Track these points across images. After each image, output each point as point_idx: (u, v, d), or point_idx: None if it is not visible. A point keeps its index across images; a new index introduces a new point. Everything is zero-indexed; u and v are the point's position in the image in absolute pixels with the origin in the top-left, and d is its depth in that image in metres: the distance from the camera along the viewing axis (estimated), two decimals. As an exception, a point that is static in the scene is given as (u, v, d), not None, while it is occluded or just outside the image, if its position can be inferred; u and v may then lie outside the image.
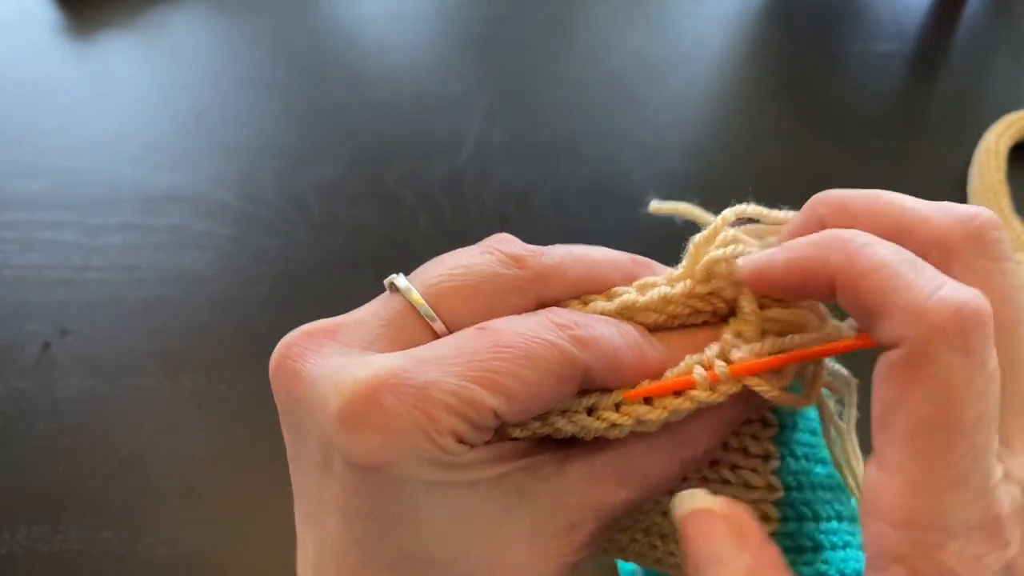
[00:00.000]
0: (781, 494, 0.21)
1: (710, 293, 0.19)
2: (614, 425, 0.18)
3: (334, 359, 0.17)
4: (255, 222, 0.58)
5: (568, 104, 0.67)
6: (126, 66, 0.72)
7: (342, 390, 0.16)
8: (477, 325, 0.18)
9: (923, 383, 0.15)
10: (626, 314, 0.19)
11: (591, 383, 0.18)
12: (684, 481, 0.21)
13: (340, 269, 0.54)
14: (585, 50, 0.72)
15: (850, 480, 0.24)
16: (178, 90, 0.69)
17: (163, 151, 0.63)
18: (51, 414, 0.48)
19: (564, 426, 0.19)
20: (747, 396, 0.19)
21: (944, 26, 0.73)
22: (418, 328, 0.18)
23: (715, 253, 0.19)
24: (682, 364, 0.19)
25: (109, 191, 0.60)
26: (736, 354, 0.19)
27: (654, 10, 0.76)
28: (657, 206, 0.22)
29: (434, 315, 0.18)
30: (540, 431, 0.19)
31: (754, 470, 0.21)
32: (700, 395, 0.18)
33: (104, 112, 0.67)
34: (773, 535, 0.21)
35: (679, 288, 0.19)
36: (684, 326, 0.20)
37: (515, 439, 0.19)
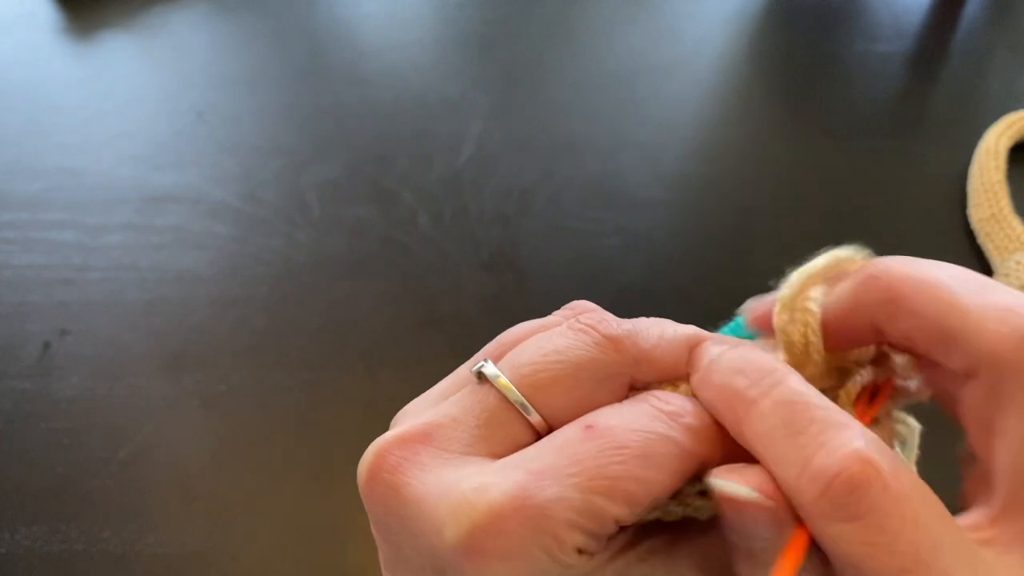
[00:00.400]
0: None
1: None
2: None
3: (438, 472, 0.16)
4: (255, 222, 0.58)
5: (568, 104, 0.67)
6: (126, 66, 0.72)
7: (460, 518, 0.15)
8: (583, 423, 0.17)
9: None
10: None
11: (704, 468, 0.17)
12: None
13: (340, 269, 0.54)
14: (585, 50, 0.72)
15: None
16: (178, 90, 0.69)
17: (163, 151, 0.63)
18: (51, 414, 0.48)
19: (676, 509, 0.18)
20: None
21: (944, 26, 0.73)
22: (516, 424, 0.17)
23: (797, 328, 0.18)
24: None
25: (109, 191, 0.60)
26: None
27: (654, 10, 0.77)
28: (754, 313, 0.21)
29: (532, 409, 0.17)
30: (648, 518, 0.18)
31: None
32: None
33: (104, 112, 0.67)
34: None
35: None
36: None
37: (624, 527, 0.18)
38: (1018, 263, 0.46)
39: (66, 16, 0.76)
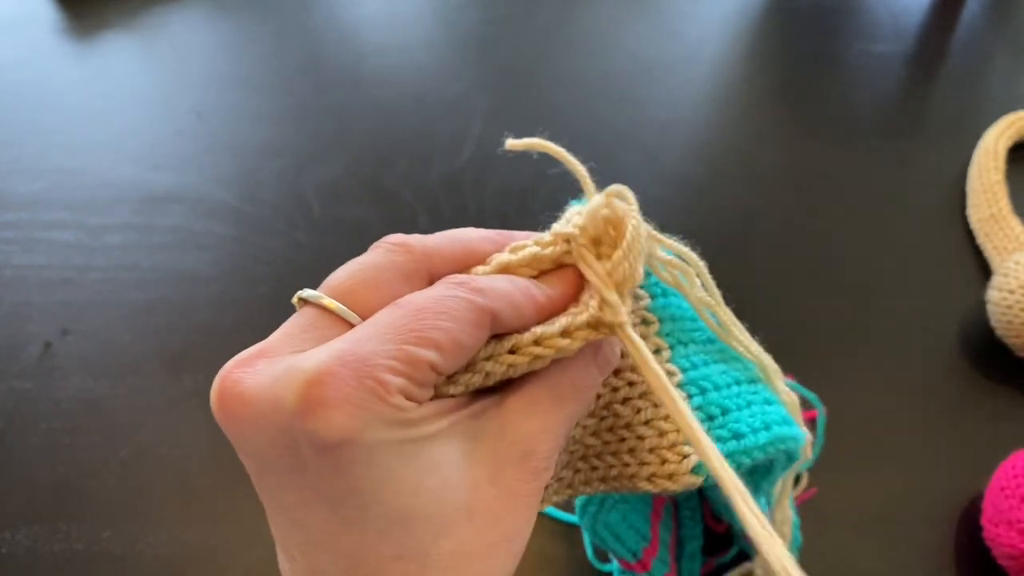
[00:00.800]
0: (679, 378, 0.25)
1: (568, 252, 0.22)
2: (537, 357, 0.21)
3: (272, 369, 0.18)
4: (256, 222, 0.58)
5: (568, 104, 0.67)
6: (127, 67, 0.72)
7: (293, 386, 0.17)
8: (390, 304, 0.19)
9: None
10: (505, 272, 0.22)
11: (501, 327, 0.21)
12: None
13: (340, 269, 0.54)
14: (585, 51, 0.72)
15: (736, 345, 0.27)
16: (179, 90, 0.69)
17: (164, 151, 0.64)
18: (52, 414, 0.48)
19: (493, 369, 0.21)
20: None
21: (943, 27, 0.73)
22: (338, 328, 0.20)
23: (568, 229, 0.22)
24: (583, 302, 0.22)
25: (110, 191, 0.60)
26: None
27: (654, 11, 0.77)
28: (512, 143, 0.25)
29: (348, 311, 0.20)
30: (472, 381, 0.21)
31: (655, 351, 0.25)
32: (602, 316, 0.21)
33: (105, 112, 0.67)
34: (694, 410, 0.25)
35: (549, 250, 0.22)
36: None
37: (454, 396, 0.20)
38: (1017, 263, 0.46)
39: (67, 17, 0.76)
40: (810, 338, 0.49)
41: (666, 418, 0.24)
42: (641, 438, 0.25)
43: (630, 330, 0.21)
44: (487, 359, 0.21)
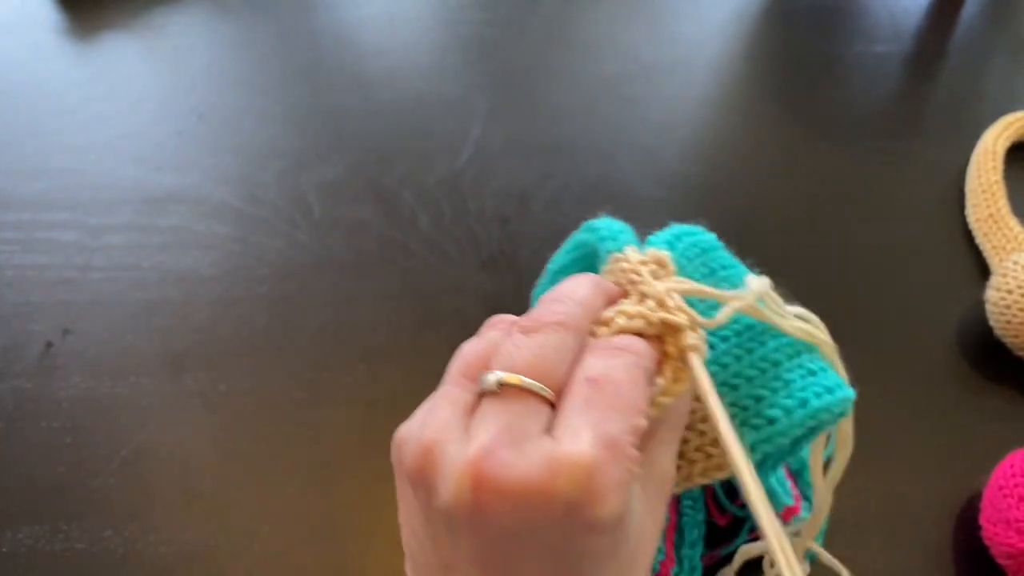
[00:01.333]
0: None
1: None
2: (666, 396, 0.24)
3: (524, 462, 0.19)
4: (256, 222, 0.58)
5: (568, 105, 0.67)
6: (127, 67, 0.72)
7: (573, 477, 0.19)
8: (583, 380, 0.21)
9: None
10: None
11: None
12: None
13: (341, 269, 0.54)
14: (585, 51, 0.72)
15: (793, 331, 0.28)
16: (179, 91, 0.69)
17: (165, 152, 0.64)
18: (53, 414, 0.48)
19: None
20: None
21: (942, 27, 0.74)
22: (535, 403, 0.21)
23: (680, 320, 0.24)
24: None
25: (111, 192, 0.61)
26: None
27: (653, 12, 0.77)
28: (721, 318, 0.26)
29: (546, 389, 0.21)
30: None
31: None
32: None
33: (106, 113, 0.67)
34: None
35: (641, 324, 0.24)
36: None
37: None
38: (1015, 263, 0.47)
39: (68, 17, 0.76)
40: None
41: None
42: (686, 441, 0.26)
43: (701, 363, 0.24)
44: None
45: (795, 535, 0.36)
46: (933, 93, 0.68)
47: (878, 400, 0.46)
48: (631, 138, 0.64)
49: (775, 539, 0.21)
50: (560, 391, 0.22)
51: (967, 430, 0.45)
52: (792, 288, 0.53)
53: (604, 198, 0.58)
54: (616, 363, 0.22)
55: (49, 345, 0.51)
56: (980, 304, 0.49)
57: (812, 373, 0.27)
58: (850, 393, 0.27)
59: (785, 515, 0.37)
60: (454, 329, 0.50)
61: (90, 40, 0.74)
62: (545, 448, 0.19)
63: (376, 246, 0.56)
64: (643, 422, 0.21)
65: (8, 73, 0.71)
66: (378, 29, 0.76)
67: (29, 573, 0.41)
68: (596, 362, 0.22)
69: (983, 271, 0.53)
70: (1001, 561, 0.38)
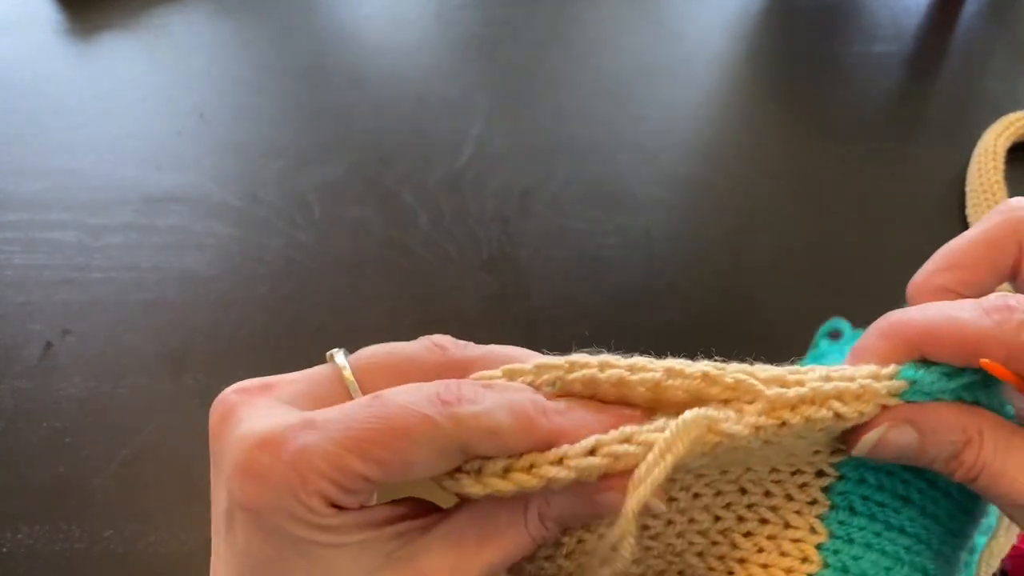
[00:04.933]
0: (823, 539, 0.22)
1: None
2: (498, 490, 0.19)
3: (259, 413, 0.19)
4: (256, 222, 0.58)
5: (568, 105, 0.67)
6: (128, 67, 0.72)
7: (243, 443, 0.18)
8: (373, 394, 0.19)
9: None
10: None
11: (475, 455, 0.19)
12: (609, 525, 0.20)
13: (341, 269, 0.54)
14: (585, 51, 0.72)
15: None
16: (179, 91, 0.69)
17: (165, 152, 0.64)
18: (53, 414, 0.48)
19: (451, 487, 0.19)
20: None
21: (942, 27, 0.73)
22: (341, 397, 0.20)
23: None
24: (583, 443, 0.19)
25: (111, 192, 0.61)
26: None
27: (654, 12, 0.77)
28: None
29: (356, 386, 0.20)
30: (415, 492, 0.20)
31: (798, 512, 0.23)
32: (587, 463, 0.18)
33: (106, 113, 0.67)
34: None
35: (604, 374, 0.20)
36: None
37: (396, 502, 0.20)
38: (1016, 263, 0.47)
39: (68, 17, 0.76)
40: (809, 337, 0.49)
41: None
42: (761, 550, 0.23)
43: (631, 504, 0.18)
44: (450, 476, 0.19)
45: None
46: (933, 93, 0.68)
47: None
48: (631, 138, 0.64)
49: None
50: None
51: (967, 430, 0.45)
52: (792, 288, 0.54)
53: (604, 198, 0.59)
54: (415, 400, 0.18)
55: (49, 345, 0.51)
56: (980, 304, 0.49)
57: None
58: None
59: None
60: (454, 329, 0.49)
61: (90, 40, 0.74)
62: (276, 409, 0.19)
63: (376, 246, 0.56)
64: (363, 469, 0.17)
65: (8, 72, 0.71)
66: (378, 29, 0.76)
67: (29, 573, 0.41)
68: (412, 389, 0.19)
69: (983, 271, 0.53)
70: (1002, 561, 0.38)
